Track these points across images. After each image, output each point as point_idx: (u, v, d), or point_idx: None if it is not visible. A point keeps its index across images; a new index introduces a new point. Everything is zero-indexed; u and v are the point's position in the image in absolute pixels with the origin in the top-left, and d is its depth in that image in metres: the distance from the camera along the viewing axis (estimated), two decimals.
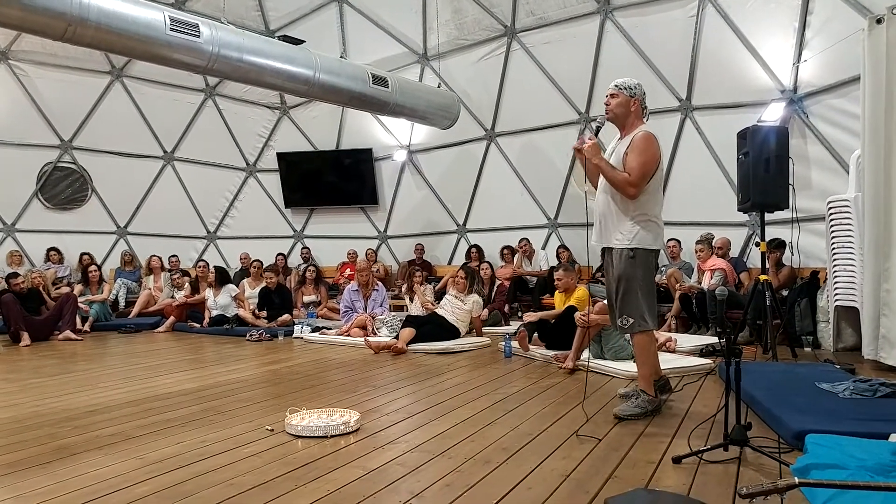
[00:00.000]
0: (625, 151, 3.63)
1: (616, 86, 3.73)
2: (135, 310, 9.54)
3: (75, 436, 3.35)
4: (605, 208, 3.72)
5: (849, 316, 5.94)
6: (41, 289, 8.19)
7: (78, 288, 9.26)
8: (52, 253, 10.32)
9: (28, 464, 2.88)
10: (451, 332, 6.89)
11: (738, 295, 6.95)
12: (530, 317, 6.28)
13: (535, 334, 6.12)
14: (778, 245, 6.92)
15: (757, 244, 5.86)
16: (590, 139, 3.73)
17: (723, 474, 2.65)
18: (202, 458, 2.92)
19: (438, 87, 10.20)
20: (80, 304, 8.58)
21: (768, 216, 5.83)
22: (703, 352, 5.83)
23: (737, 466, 2.74)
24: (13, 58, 10.03)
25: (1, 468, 2.82)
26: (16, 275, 8.10)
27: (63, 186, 10.82)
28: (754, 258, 7.66)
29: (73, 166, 10.86)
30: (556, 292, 6.37)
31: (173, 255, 10.85)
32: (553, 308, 6.55)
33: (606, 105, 3.74)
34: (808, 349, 6.22)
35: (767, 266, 6.10)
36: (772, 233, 6.67)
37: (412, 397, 4.31)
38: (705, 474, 2.65)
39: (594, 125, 3.82)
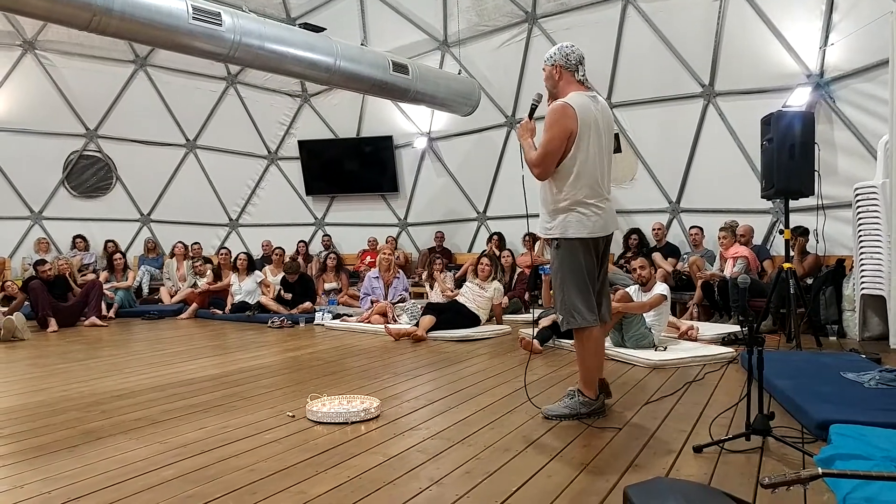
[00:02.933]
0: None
1: (544, 62, 3.48)
2: (169, 300, 9.63)
3: (102, 420, 3.42)
4: (540, 194, 3.44)
5: (875, 304, 5.85)
6: (68, 275, 8.33)
7: (103, 275, 9.41)
8: (78, 240, 10.48)
9: (56, 447, 2.94)
10: (471, 319, 6.89)
11: (761, 283, 6.87)
12: (545, 322, 6.11)
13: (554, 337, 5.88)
14: (802, 233, 6.82)
15: (781, 232, 5.78)
16: (523, 119, 3.49)
17: (745, 464, 2.64)
18: (225, 444, 2.96)
19: (459, 73, 10.16)
20: (105, 291, 8.72)
21: (793, 203, 5.74)
22: (726, 340, 5.78)
23: (759, 456, 2.72)
24: (40, 48, 10.15)
25: (30, 451, 2.89)
26: (43, 262, 8.24)
27: (89, 175, 10.98)
28: (778, 246, 7.56)
29: (98, 155, 11.01)
30: None
31: (196, 243, 10.96)
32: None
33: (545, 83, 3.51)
34: (833, 338, 6.14)
35: (792, 254, 6.01)
36: (796, 220, 6.58)
37: (432, 384, 4.33)
38: (727, 464, 2.63)
39: (531, 102, 3.52)
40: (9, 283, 8.71)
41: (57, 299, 7.91)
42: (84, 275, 9.43)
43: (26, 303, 7.76)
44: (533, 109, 3.49)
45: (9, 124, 10.16)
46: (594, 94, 3.40)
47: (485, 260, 7.23)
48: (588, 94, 3.36)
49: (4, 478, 2.55)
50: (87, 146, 10.89)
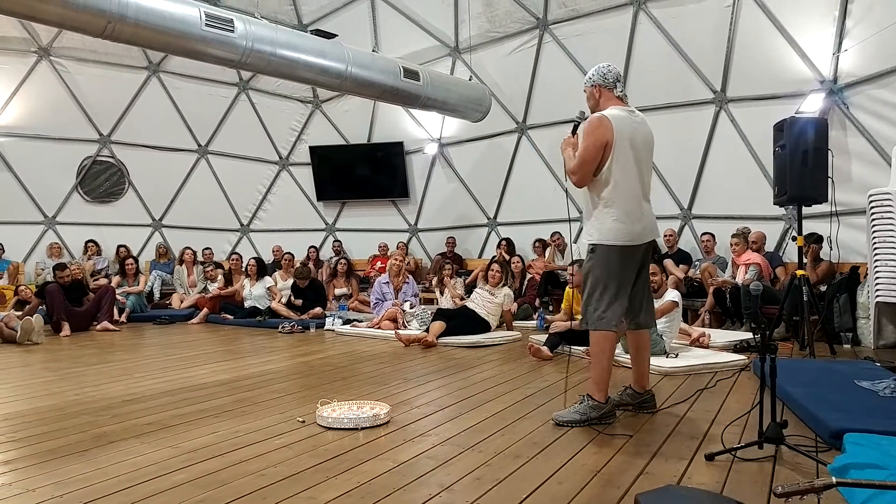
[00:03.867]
0: None
1: (584, 83, 3.64)
2: (180, 305, 9.69)
3: (113, 424, 3.43)
4: (582, 204, 3.60)
5: (890, 312, 5.80)
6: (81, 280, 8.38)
7: (115, 279, 9.47)
8: (91, 245, 10.54)
9: (68, 451, 2.95)
10: (481, 325, 6.88)
11: (774, 290, 6.82)
12: (558, 327, 6.06)
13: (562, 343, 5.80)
14: (815, 240, 6.77)
15: (794, 238, 5.74)
16: (566, 135, 3.62)
17: (757, 473, 2.61)
18: (235, 449, 2.96)
19: (470, 80, 10.18)
20: (117, 296, 8.77)
21: (806, 210, 5.70)
22: (738, 348, 5.74)
23: (772, 465, 2.69)
24: (55, 54, 10.27)
25: (42, 455, 2.90)
26: (64, 266, 8.29)
27: (102, 180, 11.07)
28: (791, 253, 7.51)
29: (111, 160, 11.09)
30: (569, 288, 6.20)
31: (207, 248, 11.02)
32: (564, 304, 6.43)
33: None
34: (847, 346, 6.08)
35: (805, 261, 5.97)
36: (810, 227, 6.53)
37: (442, 390, 4.32)
38: (739, 472, 2.61)
39: (574, 119, 3.68)
40: (22, 287, 8.78)
41: (73, 304, 7.96)
42: (96, 279, 9.49)
43: (42, 306, 7.81)
44: (576, 126, 3.62)
45: (24, 130, 10.28)
46: (632, 109, 3.56)
47: (495, 266, 7.22)
48: (626, 108, 3.51)
49: (17, 481, 2.56)
50: (101, 152, 10.98)
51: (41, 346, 6.73)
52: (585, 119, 3.55)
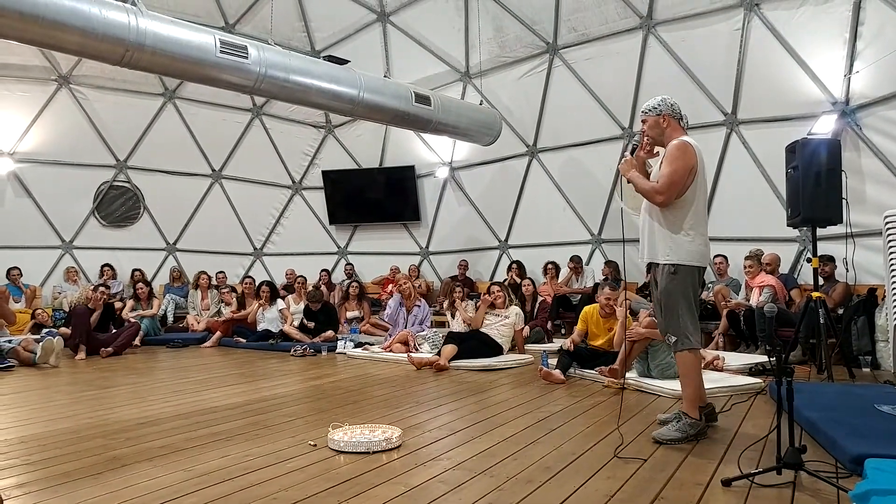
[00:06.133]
0: (660, 163, 3.66)
1: (643, 112, 3.78)
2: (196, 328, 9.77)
3: (127, 447, 3.44)
4: (648, 224, 3.70)
5: None
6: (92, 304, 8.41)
7: (129, 303, 9.55)
8: (106, 269, 10.63)
9: (82, 474, 2.96)
10: (493, 348, 6.85)
11: (789, 312, 6.75)
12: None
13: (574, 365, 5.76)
14: (828, 261, 6.71)
15: (809, 260, 5.69)
16: (625, 157, 3.81)
17: (776, 499, 2.57)
18: (247, 472, 2.96)
19: (480, 104, 10.24)
20: (131, 319, 8.83)
21: (821, 231, 5.66)
22: (753, 371, 5.67)
23: (791, 491, 2.65)
24: (74, 82, 10.45)
25: (57, 477, 2.91)
26: (107, 286, 8.30)
27: (118, 205, 11.19)
28: (805, 274, 7.44)
29: (127, 185, 11.23)
30: (595, 312, 6.01)
31: (220, 272, 11.08)
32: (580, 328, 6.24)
33: (643, 133, 3.79)
34: (866, 370, 5.99)
35: (821, 283, 5.91)
36: (825, 248, 6.48)
37: (454, 414, 4.30)
38: (757, 498, 2.56)
39: (632, 143, 3.88)
40: (39, 311, 8.86)
41: (100, 328, 8.00)
42: (111, 303, 9.54)
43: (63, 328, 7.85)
44: (634, 149, 3.83)
45: (43, 156, 10.42)
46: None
47: (494, 287, 7.19)
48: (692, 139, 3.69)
49: None
50: (117, 177, 11.11)
51: (57, 369, 6.77)
52: (639, 144, 3.78)
